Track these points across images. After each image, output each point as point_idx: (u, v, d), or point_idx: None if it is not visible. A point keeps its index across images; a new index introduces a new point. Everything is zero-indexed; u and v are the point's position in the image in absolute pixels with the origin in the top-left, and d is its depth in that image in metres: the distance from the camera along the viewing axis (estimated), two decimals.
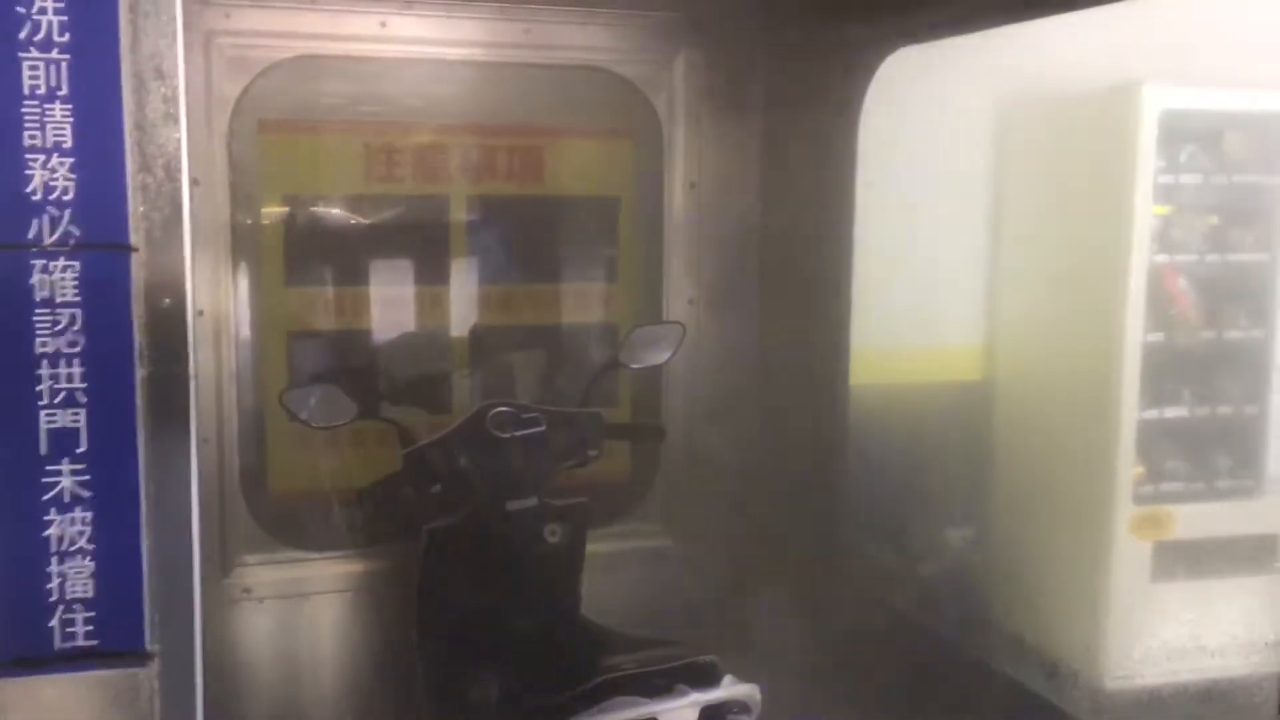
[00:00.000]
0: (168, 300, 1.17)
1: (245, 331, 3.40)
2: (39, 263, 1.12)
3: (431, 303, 3.61)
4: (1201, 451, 4.03)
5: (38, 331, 1.15)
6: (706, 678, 2.18)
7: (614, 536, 3.54)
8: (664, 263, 3.65)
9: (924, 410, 3.79)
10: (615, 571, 3.45)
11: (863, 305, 3.33)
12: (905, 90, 3.36)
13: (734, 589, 3.60)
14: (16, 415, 1.14)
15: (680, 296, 3.63)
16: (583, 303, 3.75)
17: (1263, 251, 4.01)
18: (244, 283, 3.37)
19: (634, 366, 3.09)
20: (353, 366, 3.52)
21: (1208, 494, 3.99)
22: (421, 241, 3.61)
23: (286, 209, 3.50)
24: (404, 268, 3.61)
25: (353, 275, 3.55)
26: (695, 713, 2.13)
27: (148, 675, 1.18)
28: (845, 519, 3.55)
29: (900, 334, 3.68)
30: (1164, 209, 3.90)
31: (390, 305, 3.58)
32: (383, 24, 3.35)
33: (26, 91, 1.11)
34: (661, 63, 3.60)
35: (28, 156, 1.12)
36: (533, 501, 2.90)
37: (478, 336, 3.63)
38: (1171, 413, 3.96)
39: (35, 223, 1.13)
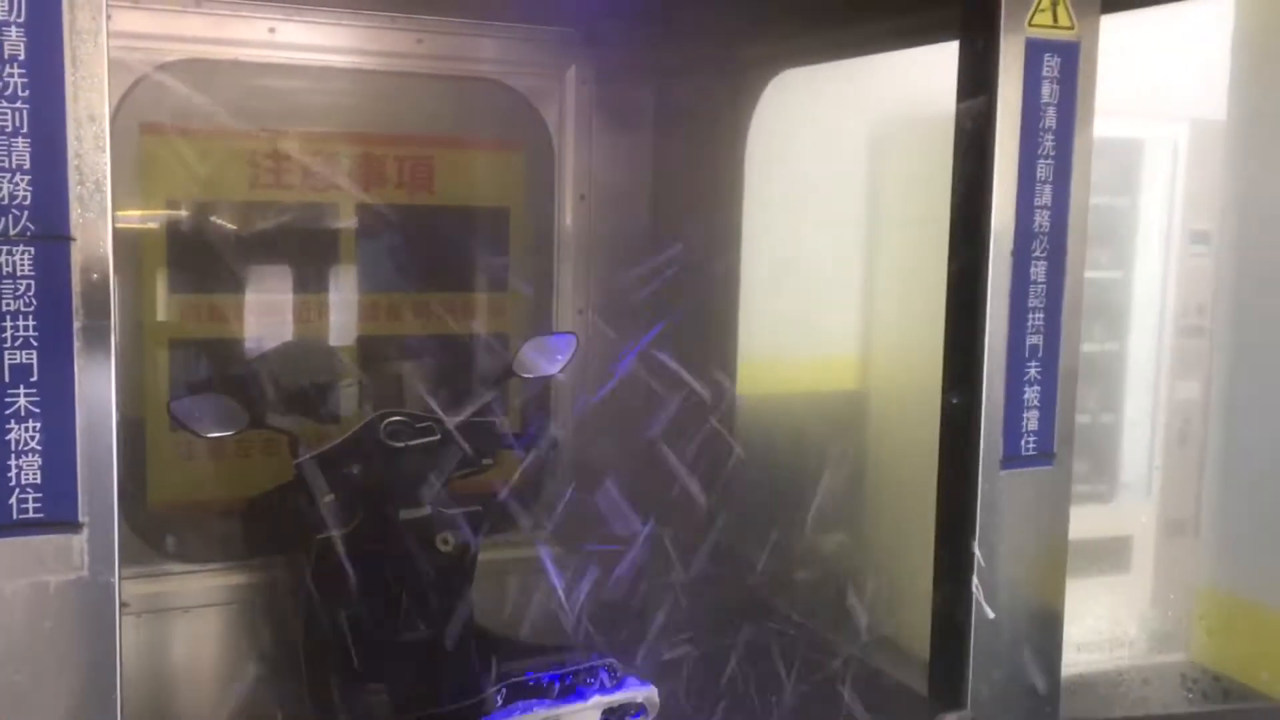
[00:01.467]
0: (95, 275, 1.72)
1: (125, 338, 3.32)
2: (4, 248, 1.68)
3: (320, 311, 3.58)
4: None
5: (3, 295, 1.68)
6: (607, 679, 2.23)
7: (506, 544, 3.56)
8: (554, 273, 3.69)
9: (805, 419, 3.90)
10: (507, 579, 3.48)
11: (749, 316, 3.43)
12: (789, 110, 3.48)
13: (625, 594, 3.65)
14: None
15: (570, 307, 3.68)
16: (473, 312, 3.76)
17: (1115, 269, 4.25)
18: (125, 289, 3.28)
19: (526, 376, 3.12)
20: (239, 375, 3.46)
21: None
22: (309, 249, 3.57)
23: (170, 214, 3.42)
24: (292, 275, 3.57)
25: (238, 283, 3.49)
26: (598, 714, 2.18)
27: (80, 539, 1.73)
28: (732, 526, 3.63)
29: (784, 345, 3.79)
30: None
31: (277, 313, 3.54)
32: (271, 30, 3.32)
33: None
34: (553, 75, 3.65)
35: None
36: (425, 510, 2.90)
37: (367, 346, 3.62)
38: None
39: (3, 220, 1.68)
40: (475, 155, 3.71)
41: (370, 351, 3.63)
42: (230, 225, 3.50)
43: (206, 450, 3.40)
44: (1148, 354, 4.23)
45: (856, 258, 4.14)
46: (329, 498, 2.83)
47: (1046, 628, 2.43)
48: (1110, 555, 4.11)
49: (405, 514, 2.87)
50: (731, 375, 3.51)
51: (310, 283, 3.58)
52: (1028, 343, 2.32)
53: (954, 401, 2.36)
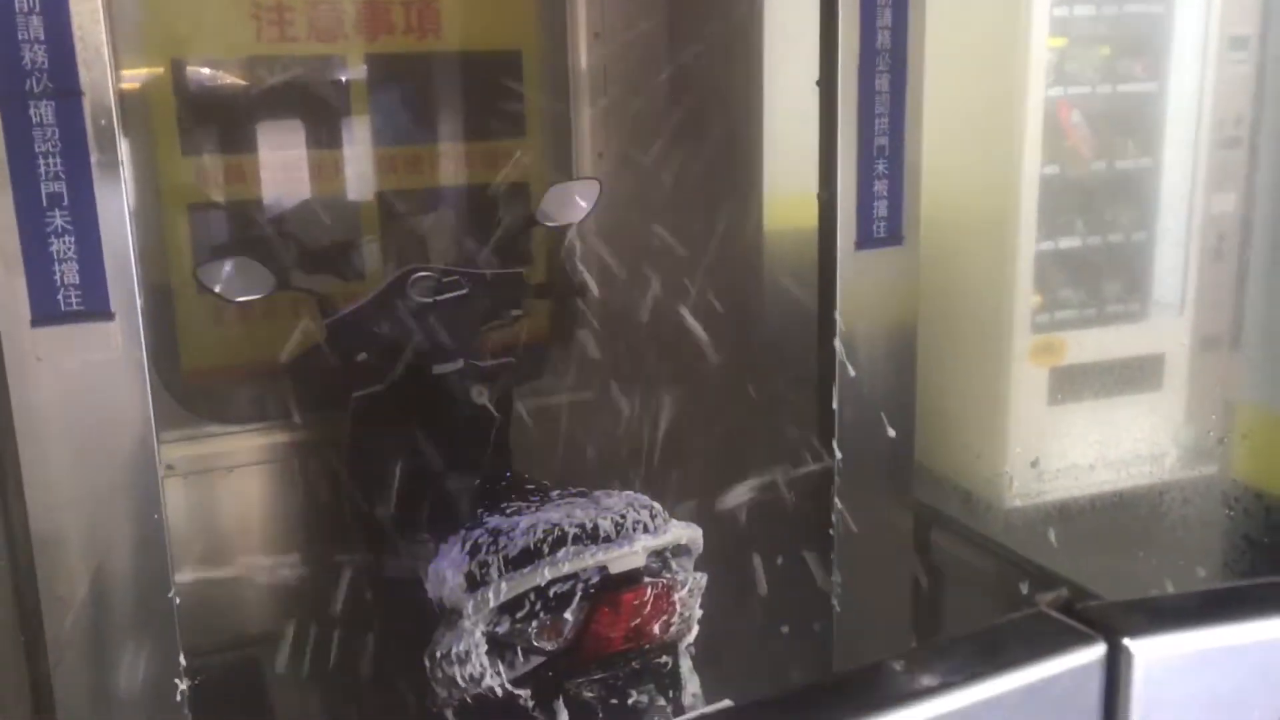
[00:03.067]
0: (103, 121, 2.15)
1: (143, 204, 3.29)
2: (32, 104, 2.10)
3: (336, 167, 3.52)
4: (1093, 279, 4.18)
5: (35, 140, 2.11)
6: (650, 522, 2.26)
7: (539, 393, 3.58)
8: (571, 117, 3.60)
9: None
10: (542, 428, 3.50)
11: (774, 152, 3.34)
12: None
13: (659, 435, 3.68)
14: (31, 190, 2.12)
15: (590, 151, 3.60)
16: (490, 161, 3.69)
17: (1151, 81, 4.09)
18: (138, 153, 3.24)
19: (551, 224, 3.08)
20: (262, 237, 3.43)
21: (1098, 319, 4.15)
22: (321, 104, 3.49)
23: (176, 74, 3.34)
24: (305, 132, 3.50)
25: (252, 142, 3.44)
26: (643, 557, 2.21)
27: (113, 325, 2.21)
28: (761, 362, 3.63)
29: (810, 179, 3.71)
30: (1059, 41, 3.94)
31: (294, 172, 3.48)
32: None
33: None
34: None
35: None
36: (459, 364, 2.91)
37: (386, 200, 3.57)
38: (1065, 243, 4.08)
39: (29, 81, 2.09)
40: None
41: (391, 207, 3.58)
42: (238, 82, 3.42)
43: (236, 314, 3.41)
44: (1183, 168, 4.11)
45: None
46: (362, 356, 2.83)
47: (900, 382, 2.96)
48: (1142, 374, 4.10)
49: (438, 368, 2.87)
50: (758, 211, 3.45)
51: (324, 139, 3.52)
52: (875, 143, 2.76)
53: (821, 195, 2.78)
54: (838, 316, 2.76)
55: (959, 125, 3.91)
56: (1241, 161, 4.04)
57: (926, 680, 0.87)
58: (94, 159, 2.13)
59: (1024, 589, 2.53)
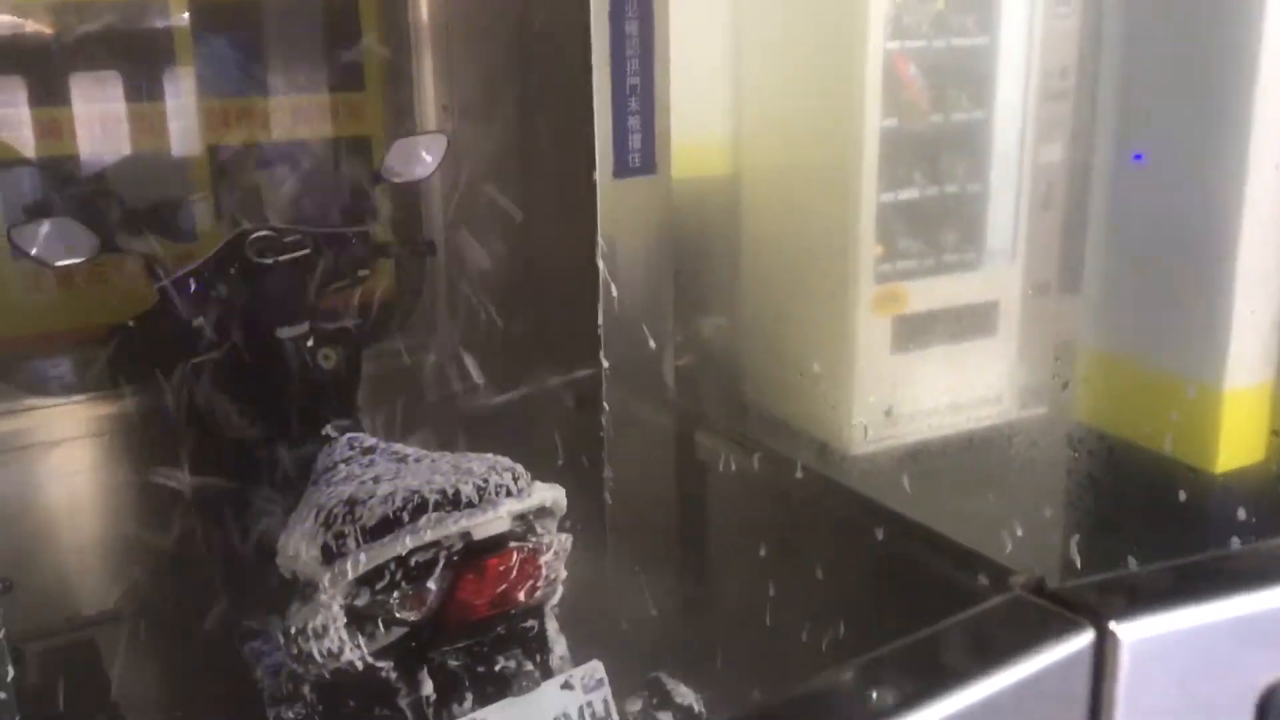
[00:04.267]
0: None
1: None
2: None
3: (162, 121, 3.32)
4: (931, 229, 4.30)
5: None
6: (514, 485, 2.21)
7: (386, 355, 3.48)
8: (413, 68, 3.48)
9: (680, 206, 3.85)
10: (388, 389, 3.41)
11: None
12: None
13: (507, 390, 3.63)
14: None
15: (433, 103, 3.49)
16: (329, 115, 3.54)
17: (983, 35, 4.20)
18: None
19: (396, 180, 2.98)
20: (81, 195, 3.22)
21: (937, 269, 4.27)
22: (142, 52, 3.28)
23: None
24: (125, 82, 3.29)
25: (66, 94, 3.21)
26: (507, 522, 2.17)
27: None
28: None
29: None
30: None
31: (114, 125, 3.27)
32: None
33: None
34: None
35: None
36: (304, 327, 2.80)
37: (218, 155, 3.39)
38: (905, 194, 4.17)
39: None
40: None
41: (223, 162, 3.40)
42: (50, 29, 3.18)
43: (57, 279, 3.20)
44: (1013, 120, 4.25)
45: (726, 40, 4.02)
46: (199, 321, 2.69)
47: (657, 295, 3.29)
48: (979, 319, 4.24)
49: (283, 332, 2.75)
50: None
51: (146, 90, 3.31)
52: (628, 82, 3.05)
53: (584, 127, 3.03)
54: (600, 239, 3.05)
55: (801, 76, 3.95)
56: (1068, 113, 4.21)
57: (915, 686, 0.85)
58: None
59: (879, 535, 2.60)
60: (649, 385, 3.31)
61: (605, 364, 3.16)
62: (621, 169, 3.10)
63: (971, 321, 4.22)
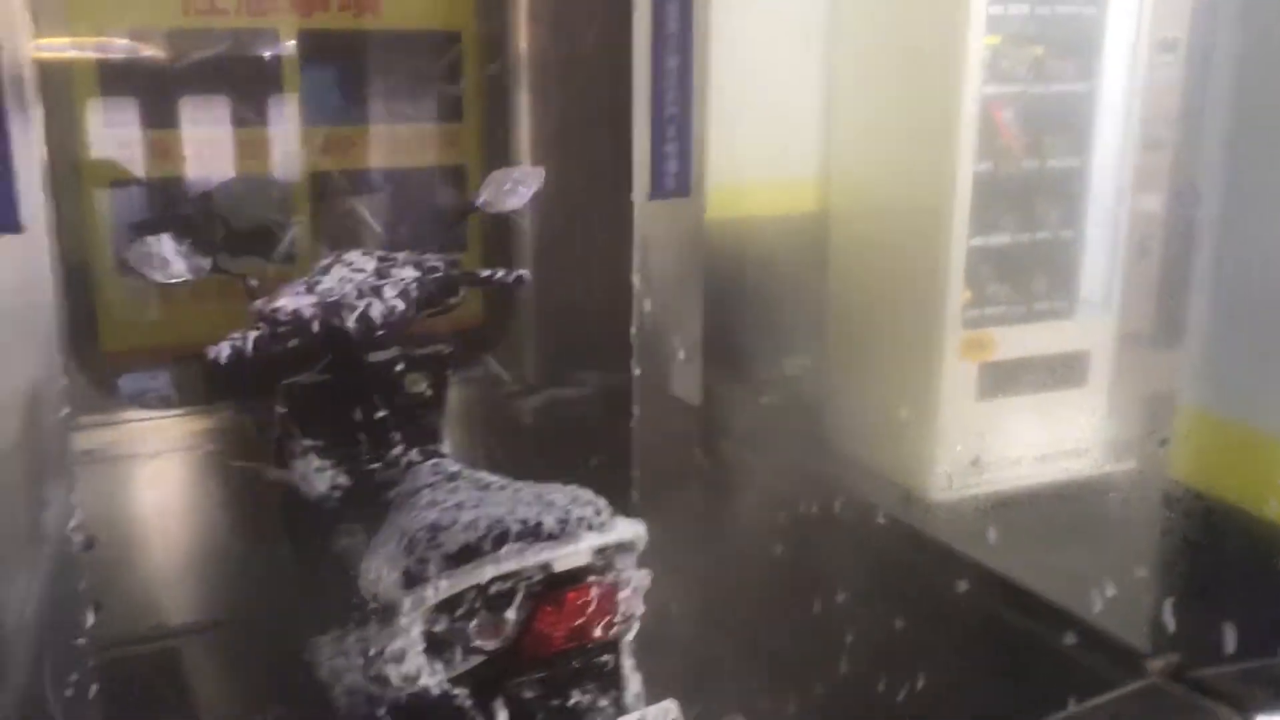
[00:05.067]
0: (18, 73, 2.51)
1: (63, 179, 3.16)
2: None
3: (267, 146, 3.41)
4: (1022, 276, 4.24)
5: None
6: (596, 518, 2.22)
7: (474, 383, 3.52)
8: (511, 100, 3.53)
9: (771, 243, 3.85)
10: (475, 416, 3.45)
11: (715, 141, 3.33)
12: None
13: (592, 426, 3.65)
14: None
15: (529, 136, 3.54)
16: (428, 144, 3.61)
17: (1082, 81, 4.15)
18: (59, 126, 3.10)
19: (493, 211, 3.01)
20: (188, 217, 3.32)
21: (1027, 316, 4.20)
22: (252, 80, 3.38)
23: (100, 44, 3.20)
24: (235, 108, 3.39)
25: (178, 117, 3.31)
26: (587, 555, 2.17)
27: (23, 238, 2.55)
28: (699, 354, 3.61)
29: (750, 169, 3.70)
30: (993, 39, 3.98)
31: (222, 149, 3.37)
32: None
33: None
34: None
35: None
36: (393, 352, 2.84)
37: (319, 181, 3.47)
38: (996, 239, 4.12)
39: None
40: None
41: (324, 188, 3.48)
42: (165, 55, 3.29)
43: (159, 296, 3.29)
44: (1111, 168, 4.18)
45: (819, 78, 4.03)
46: (293, 342, 2.74)
47: (688, 310, 3.43)
48: (1069, 369, 4.17)
49: (373, 356, 2.80)
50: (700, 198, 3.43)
51: (254, 116, 3.41)
52: (666, 112, 3.25)
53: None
54: (635, 254, 3.25)
55: (895, 117, 3.93)
56: (1167, 162, 4.13)
57: None
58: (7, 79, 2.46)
59: (961, 588, 2.56)
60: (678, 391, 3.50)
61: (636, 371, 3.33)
62: (658, 190, 3.31)
63: (1061, 371, 4.14)
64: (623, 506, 3.13)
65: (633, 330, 3.30)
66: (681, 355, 3.41)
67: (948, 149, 3.85)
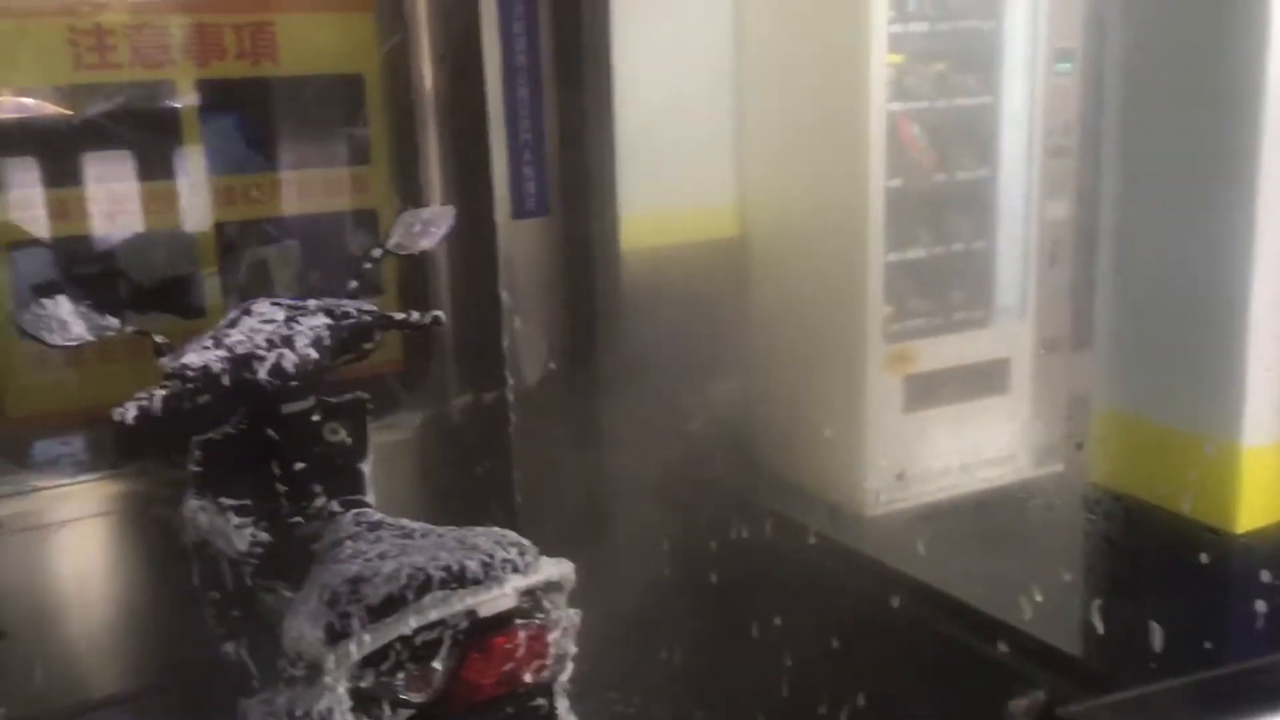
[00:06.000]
0: None
1: None
2: None
3: (168, 199, 3.34)
4: (939, 287, 4.29)
5: None
6: (520, 561, 2.18)
7: (393, 428, 3.47)
8: (418, 142, 3.50)
9: (689, 271, 3.85)
10: (396, 462, 3.39)
11: (627, 172, 3.33)
12: None
13: (515, 462, 3.61)
14: None
15: (438, 177, 3.51)
16: (335, 189, 3.56)
17: (985, 94, 4.23)
18: None
19: (404, 253, 2.98)
20: (88, 276, 3.24)
21: (947, 326, 4.25)
22: (149, 133, 3.31)
23: None
24: (132, 162, 3.32)
25: (74, 175, 3.24)
26: (514, 598, 2.14)
27: None
28: (620, 381, 3.60)
29: (664, 197, 3.71)
30: (896, 57, 4.04)
31: (122, 205, 3.29)
32: None
33: None
34: None
35: None
36: (309, 402, 2.78)
37: (226, 232, 3.40)
38: (912, 254, 4.16)
39: None
40: (321, 19, 3.45)
41: (230, 239, 3.42)
42: (58, 112, 3.21)
43: (63, 358, 3.20)
44: (1018, 177, 4.26)
45: (728, 102, 4.04)
46: (204, 399, 2.68)
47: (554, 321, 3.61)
48: (990, 377, 4.22)
49: (288, 408, 2.74)
50: (613, 230, 3.43)
51: (153, 169, 3.34)
52: (520, 138, 3.47)
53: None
54: (500, 270, 3.46)
55: (804, 140, 3.96)
56: (1072, 169, 4.21)
57: None
58: None
59: (895, 602, 2.55)
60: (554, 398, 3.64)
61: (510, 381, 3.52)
62: (519, 211, 3.52)
63: (983, 379, 4.19)
64: (509, 508, 3.44)
65: (505, 343, 3.50)
66: (552, 365, 3.59)
67: (858, 167, 3.89)
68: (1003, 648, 2.27)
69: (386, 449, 3.11)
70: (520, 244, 3.54)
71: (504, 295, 3.48)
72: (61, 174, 3.24)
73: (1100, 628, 2.08)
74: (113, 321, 2.61)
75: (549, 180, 3.53)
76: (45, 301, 2.56)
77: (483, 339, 3.57)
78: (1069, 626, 2.16)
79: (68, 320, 2.56)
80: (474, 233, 3.44)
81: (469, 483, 3.66)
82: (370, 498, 2.88)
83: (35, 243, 3.23)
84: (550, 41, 3.48)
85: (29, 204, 3.22)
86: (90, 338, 2.57)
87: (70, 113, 3.24)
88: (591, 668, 2.29)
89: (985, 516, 3.34)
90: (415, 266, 3.58)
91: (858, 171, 3.90)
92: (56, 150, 3.23)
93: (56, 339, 2.55)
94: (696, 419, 3.98)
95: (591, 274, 3.60)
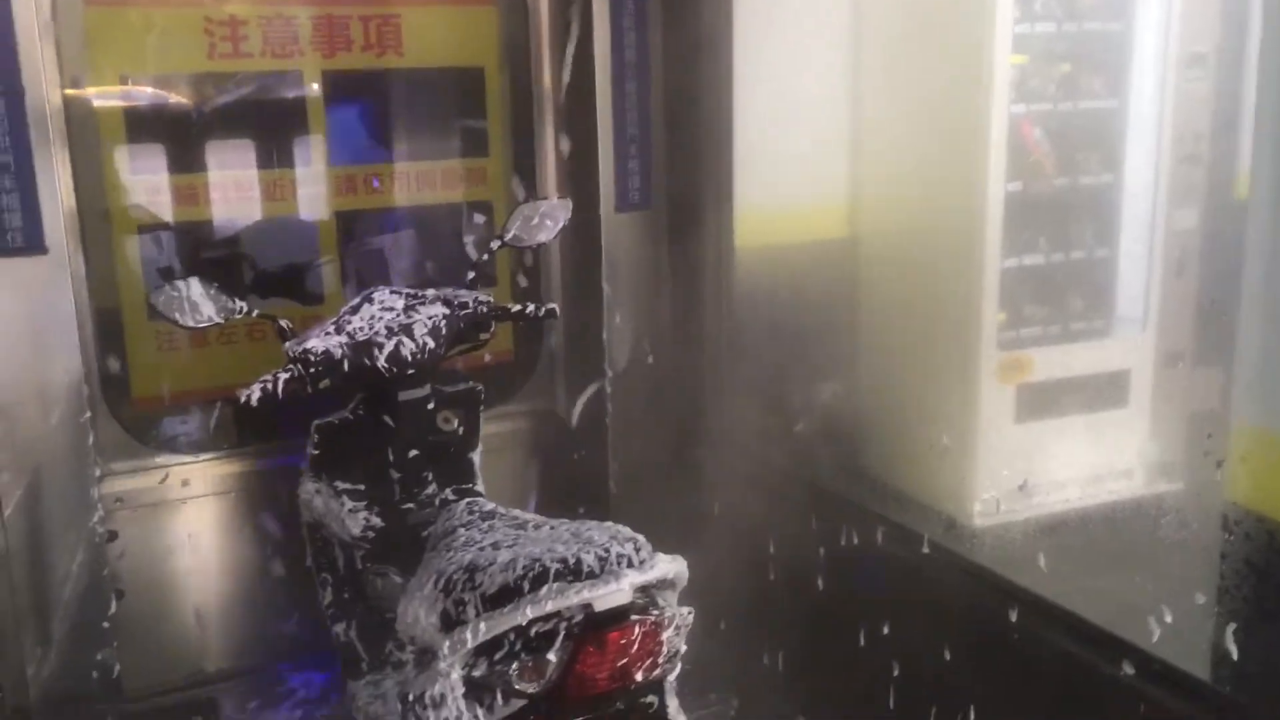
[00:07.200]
0: (40, 115, 2.90)
1: (92, 227, 3.16)
2: None
3: (292, 187, 3.41)
4: (1057, 295, 4.17)
5: None
6: (636, 556, 2.17)
7: (505, 417, 3.49)
8: (535, 134, 3.52)
9: (800, 269, 3.81)
10: (508, 452, 3.42)
11: (743, 170, 3.30)
12: None
13: (624, 460, 3.61)
14: None
15: (552, 170, 3.52)
16: (453, 180, 3.60)
17: (1112, 98, 4.10)
18: (85, 174, 3.11)
19: (521, 245, 2.99)
20: (217, 260, 3.32)
21: (1064, 336, 4.13)
22: (277, 122, 3.38)
23: (124, 91, 3.22)
24: (259, 150, 3.39)
25: (204, 161, 3.32)
26: (629, 594, 2.12)
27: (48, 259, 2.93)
28: (731, 382, 3.58)
29: (779, 196, 3.67)
30: (1020, 58, 3.94)
31: (248, 191, 3.37)
32: None
33: None
34: None
35: None
36: (425, 390, 2.81)
37: (347, 221, 3.46)
38: (1030, 260, 4.06)
39: None
40: (445, 12, 3.49)
41: (350, 227, 3.48)
42: (191, 100, 3.30)
43: (189, 339, 3.28)
44: (1144, 184, 4.12)
45: (845, 100, 3.99)
46: (324, 383, 2.72)
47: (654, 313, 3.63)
48: (1109, 389, 4.09)
49: (404, 395, 2.77)
50: (729, 227, 3.41)
51: (279, 157, 3.41)
52: (627, 132, 3.48)
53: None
54: (604, 263, 3.49)
55: (923, 140, 3.89)
56: (1201, 177, 4.06)
57: None
58: (33, 136, 2.84)
59: (1012, 616, 2.49)
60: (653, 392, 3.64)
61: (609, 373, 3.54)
62: (623, 204, 3.53)
63: (1101, 391, 4.06)
64: (603, 496, 3.46)
65: (604, 335, 3.52)
66: (650, 359, 3.60)
67: (978, 169, 3.79)
68: (1127, 669, 2.19)
69: (495, 440, 3.15)
70: (622, 237, 3.54)
71: (606, 288, 3.49)
72: (190, 160, 3.32)
73: (1234, 654, 1.99)
74: (240, 305, 2.66)
75: (655, 174, 3.54)
76: (178, 283, 2.62)
77: (586, 331, 3.58)
78: (1200, 650, 2.07)
79: (199, 302, 2.62)
80: (580, 225, 3.44)
81: (566, 470, 3.68)
82: (480, 486, 2.90)
83: (165, 227, 3.31)
84: (664, 37, 3.47)
85: (160, 189, 3.30)
86: (219, 320, 2.63)
87: (202, 101, 3.31)
88: (691, 667, 2.27)
89: (1106, 532, 3.23)
90: (528, 257, 3.62)
91: (976, 174, 3.80)
92: (187, 137, 3.31)
93: (188, 320, 2.61)
94: (802, 420, 3.94)
95: (701, 269, 3.57)
